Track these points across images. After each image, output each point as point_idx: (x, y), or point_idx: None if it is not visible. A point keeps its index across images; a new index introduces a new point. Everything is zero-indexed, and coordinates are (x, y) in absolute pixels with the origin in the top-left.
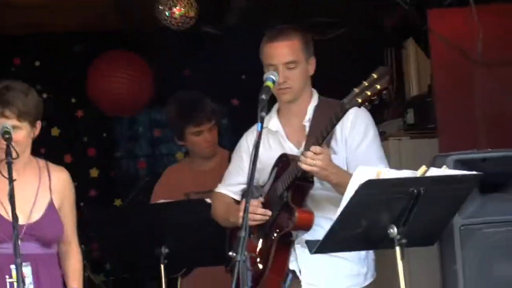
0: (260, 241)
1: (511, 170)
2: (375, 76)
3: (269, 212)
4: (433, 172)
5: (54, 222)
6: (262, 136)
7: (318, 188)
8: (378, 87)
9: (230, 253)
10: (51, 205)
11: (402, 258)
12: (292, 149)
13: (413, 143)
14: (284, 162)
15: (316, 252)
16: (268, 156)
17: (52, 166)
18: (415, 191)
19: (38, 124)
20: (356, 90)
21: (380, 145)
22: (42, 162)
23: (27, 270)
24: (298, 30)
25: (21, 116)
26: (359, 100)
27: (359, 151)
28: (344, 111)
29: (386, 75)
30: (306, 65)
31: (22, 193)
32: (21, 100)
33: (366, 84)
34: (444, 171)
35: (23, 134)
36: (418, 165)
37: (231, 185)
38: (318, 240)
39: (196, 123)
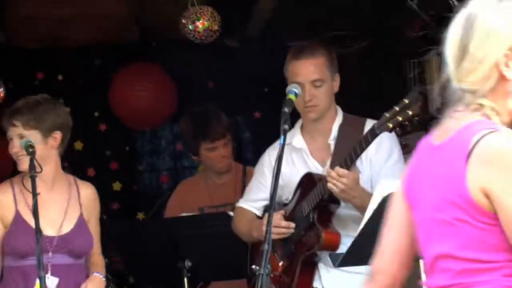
0: (284, 259)
1: None
2: (406, 101)
3: (293, 225)
4: None
5: (85, 235)
6: (285, 152)
7: (343, 207)
8: (410, 113)
9: (253, 267)
10: (81, 218)
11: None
12: (316, 167)
13: None
14: (309, 181)
15: (339, 266)
16: (291, 172)
17: (80, 182)
18: None
19: (57, 135)
20: (387, 115)
21: (404, 166)
22: (70, 177)
23: (50, 283)
24: (322, 47)
25: (27, 125)
26: (390, 126)
27: (384, 171)
28: (374, 136)
29: (417, 101)
30: (331, 83)
31: (54, 206)
32: (29, 108)
33: (397, 109)
34: None
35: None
36: None
37: (253, 201)
38: (341, 254)
39: (211, 140)
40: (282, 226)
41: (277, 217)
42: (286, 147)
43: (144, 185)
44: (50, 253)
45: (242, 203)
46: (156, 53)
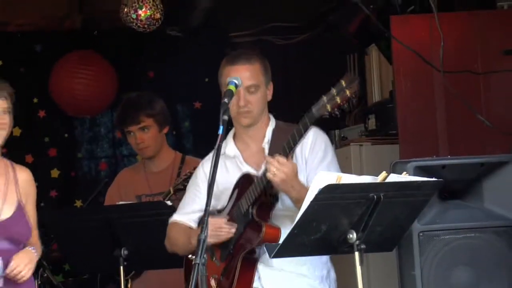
0: (224, 262)
1: (470, 177)
2: (343, 83)
3: (234, 229)
4: (393, 178)
5: (24, 222)
6: (220, 161)
7: (280, 210)
8: (347, 93)
9: (189, 256)
10: (20, 204)
11: (361, 263)
12: (251, 172)
13: (374, 149)
14: (246, 181)
15: (275, 256)
16: (226, 180)
17: (16, 166)
18: (375, 196)
19: None
20: (325, 98)
21: (338, 165)
22: (6, 161)
23: None
24: (258, 55)
25: None
26: (329, 107)
27: (320, 170)
28: (312, 119)
29: (353, 81)
30: (265, 90)
31: None
32: None
33: (335, 92)
34: (404, 177)
35: None
36: (379, 171)
37: (187, 213)
38: (277, 244)
39: (124, 124)
40: (224, 228)
41: (219, 221)
42: (220, 156)
43: (82, 173)
44: None
45: (176, 217)
46: (98, 41)
